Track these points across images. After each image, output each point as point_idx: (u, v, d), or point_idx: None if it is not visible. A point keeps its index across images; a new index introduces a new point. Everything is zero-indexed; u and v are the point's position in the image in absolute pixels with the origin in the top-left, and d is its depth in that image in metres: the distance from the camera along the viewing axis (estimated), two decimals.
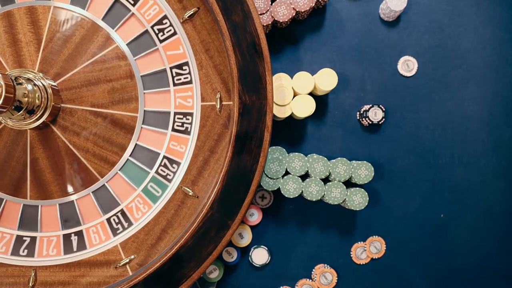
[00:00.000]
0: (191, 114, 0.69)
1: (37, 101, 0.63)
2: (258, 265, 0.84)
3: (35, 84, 0.63)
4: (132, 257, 0.69)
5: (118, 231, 0.69)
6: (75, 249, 0.69)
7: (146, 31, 0.69)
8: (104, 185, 0.69)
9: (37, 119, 0.64)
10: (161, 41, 0.68)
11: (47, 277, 0.69)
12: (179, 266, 0.64)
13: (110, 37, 0.68)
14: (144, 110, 0.69)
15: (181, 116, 0.69)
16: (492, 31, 0.85)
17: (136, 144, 0.69)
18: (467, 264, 0.86)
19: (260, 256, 0.84)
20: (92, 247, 0.69)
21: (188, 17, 0.68)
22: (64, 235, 0.69)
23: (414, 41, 0.84)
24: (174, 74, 0.69)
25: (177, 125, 0.69)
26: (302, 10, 0.76)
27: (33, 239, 0.69)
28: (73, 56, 0.68)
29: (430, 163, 0.85)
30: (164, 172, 0.69)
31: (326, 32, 0.84)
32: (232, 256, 0.83)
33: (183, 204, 0.69)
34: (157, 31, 0.68)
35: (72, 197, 0.69)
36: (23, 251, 0.69)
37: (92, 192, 0.69)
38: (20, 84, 0.61)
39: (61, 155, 0.68)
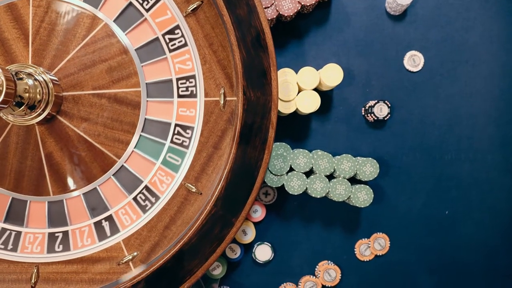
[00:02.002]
0: (193, 77, 0.68)
1: (38, 96, 0.62)
2: (261, 262, 0.83)
3: (35, 79, 0.62)
4: (135, 254, 0.69)
5: (147, 208, 0.69)
6: (108, 233, 0.69)
7: (130, 3, 0.68)
8: (122, 165, 0.68)
9: (40, 114, 0.63)
10: (147, 10, 0.67)
11: (49, 273, 0.69)
12: (182, 263, 0.63)
13: (96, 16, 0.67)
14: (146, 83, 0.68)
15: (184, 81, 0.68)
16: (500, 25, 0.84)
17: (145, 118, 0.68)
18: (472, 261, 0.86)
19: (263, 252, 0.83)
20: (124, 229, 0.69)
21: (191, 10, 0.67)
22: (95, 223, 0.69)
23: (420, 36, 0.83)
24: (167, 41, 0.68)
25: (182, 91, 0.68)
26: (308, 4, 0.75)
27: (65, 233, 0.69)
28: (63, 43, 0.67)
29: (436, 160, 0.84)
30: (179, 139, 0.68)
31: (332, 26, 0.83)
32: (235, 253, 0.83)
33: (186, 200, 0.69)
34: (141, 1, 0.68)
35: (94, 184, 0.68)
36: (59, 247, 0.69)
37: (112, 175, 0.68)
38: (21, 79, 0.60)
39: (74, 144, 0.67)
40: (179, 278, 0.63)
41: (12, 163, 0.67)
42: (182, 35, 0.67)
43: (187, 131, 0.68)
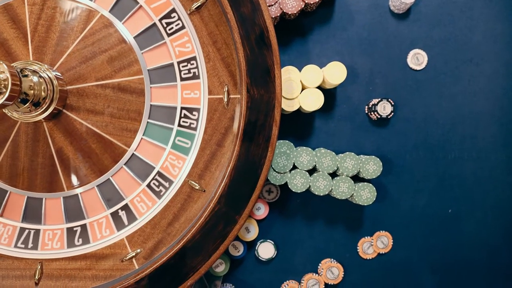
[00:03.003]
0: (194, 59, 0.68)
1: (43, 93, 0.62)
2: (264, 259, 0.84)
3: (40, 76, 0.63)
4: (138, 250, 0.69)
5: (161, 193, 0.69)
6: (126, 223, 0.69)
7: None
8: (133, 154, 0.68)
9: (45, 110, 0.63)
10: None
11: (53, 270, 0.69)
12: (186, 260, 0.63)
13: (92, 8, 0.67)
14: (148, 70, 0.68)
15: (185, 63, 0.68)
16: (504, 24, 0.83)
17: (151, 105, 0.68)
18: (475, 259, 0.86)
19: (266, 250, 0.84)
20: (141, 216, 0.69)
21: (195, 8, 0.67)
22: (111, 214, 0.69)
23: (424, 34, 0.83)
24: (164, 25, 0.68)
25: (184, 73, 0.68)
26: (311, 2, 0.75)
27: (84, 226, 0.70)
28: (62, 38, 0.67)
29: (439, 158, 0.84)
30: (187, 122, 0.68)
31: (335, 24, 0.83)
32: (238, 250, 0.83)
33: (190, 198, 0.69)
34: None
35: (107, 175, 0.69)
36: (78, 241, 0.70)
37: (124, 164, 0.69)
38: (26, 76, 0.60)
39: (83, 137, 0.68)
40: (182, 275, 0.63)
41: (24, 161, 0.68)
42: (179, 18, 0.67)
43: (194, 113, 0.68)
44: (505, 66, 0.84)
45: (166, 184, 0.69)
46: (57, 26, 0.67)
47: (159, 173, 0.69)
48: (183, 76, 0.68)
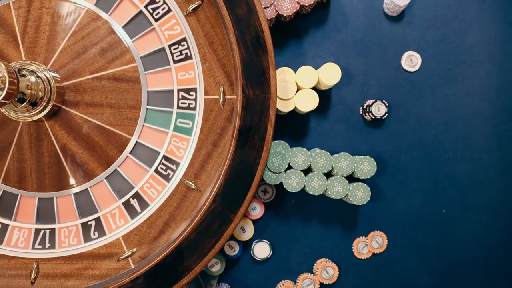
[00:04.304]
0: (184, 40, 0.68)
1: (40, 93, 0.63)
2: (260, 259, 0.84)
3: (38, 76, 0.63)
4: (134, 250, 0.69)
5: (170, 176, 0.69)
6: (139, 210, 0.70)
7: None
8: (137, 142, 0.69)
9: (43, 109, 0.64)
10: None
11: (49, 269, 0.70)
12: (181, 259, 0.64)
13: (78, 4, 0.68)
14: (140, 57, 0.69)
15: (176, 46, 0.69)
16: (497, 26, 0.84)
17: (148, 91, 0.69)
18: (469, 260, 0.86)
19: (262, 250, 0.84)
20: (153, 201, 0.69)
21: (192, 10, 0.68)
22: (123, 203, 0.70)
23: (418, 36, 0.84)
24: (151, 11, 0.69)
25: (176, 56, 0.69)
26: (306, 4, 0.76)
27: (98, 220, 0.70)
28: (52, 36, 0.68)
29: (433, 159, 0.85)
30: (185, 103, 0.69)
31: (330, 26, 0.84)
32: (234, 250, 0.83)
33: (186, 197, 0.69)
34: None
35: (114, 166, 0.69)
36: (94, 234, 0.70)
37: (129, 153, 0.69)
38: (24, 76, 0.61)
39: (85, 130, 0.68)
40: (178, 273, 0.64)
41: (31, 163, 0.68)
42: (164, 2, 0.68)
43: (191, 93, 0.69)
44: (498, 67, 0.84)
45: (173, 167, 0.69)
46: (46, 26, 0.68)
47: (165, 157, 0.69)
48: (175, 58, 0.69)
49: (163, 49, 0.69)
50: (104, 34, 0.68)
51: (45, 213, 0.70)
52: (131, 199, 0.70)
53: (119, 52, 0.68)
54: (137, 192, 0.70)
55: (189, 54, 0.69)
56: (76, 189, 0.69)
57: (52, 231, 0.70)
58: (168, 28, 0.69)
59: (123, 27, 0.69)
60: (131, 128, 0.69)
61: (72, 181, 0.69)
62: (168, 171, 0.69)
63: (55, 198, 0.70)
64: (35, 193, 0.69)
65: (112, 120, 0.68)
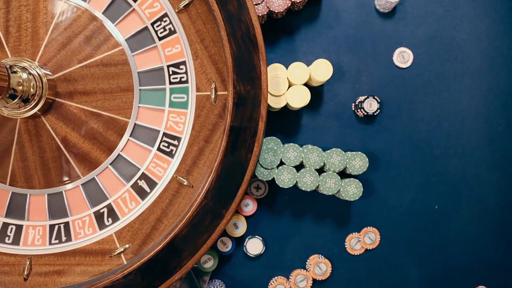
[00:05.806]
0: (165, 15, 0.68)
1: (32, 90, 0.63)
2: (252, 255, 0.84)
3: (30, 73, 0.63)
4: (127, 246, 0.69)
5: (173, 152, 0.70)
6: (148, 190, 0.70)
7: None
8: (135, 124, 0.69)
9: (35, 105, 0.64)
10: None
11: (42, 266, 0.70)
12: (173, 255, 0.64)
13: None
14: (125, 39, 0.69)
15: (159, 23, 0.69)
16: (488, 23, 0.85)
17: (137, 72, 0.69)
18: (461, 255, 0.87)
19: (254, 246, 0.84)
20: (160, 180, 0.70)
21: (183, 6, 0.68)
22: (132, 186, 0.70)
23: (409, 33, 0.85)
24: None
25: (160, 33, 0.69)
26: (298, 1, 0.76)
27: (109, 206, 0.70)
28: (35, 32, 0.68)
29: (425, 155, 0.85)
30: (177, 77, 0.69)
31: (322, 23, 0.84)
32: (226, 246, 0.84)
33: (178, 193, 0.70)
34: None
35: (117, 151, 0.70)
36: (108, 221, 0.70)
37: (130, 136, 0.69)
38: (15, 72, 0.61)
39: (83, 119, 0.68)
40: (170, 269, 0.64)
41: (35, 160, 0.68)
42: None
43: (181, 66, 0.69)
44: (489, 63, 0.85)
45: (175, 142, 0.70)
46: (27, 23, 0.68)
47: (165, 134, 0.70)
48: (160, 35, 0.69)
49: (146, 28, 0.69)
50: (86, 22, 0.68)
51: (57, 208, 0.70)
52: (138, 181, 0.70)
53: (103, 38, 0.69)
54: (143, 173, 0.70)
55: (172, 29, 0.69)
56: (83, 180, 0.70)
57: (67, 224, 0.70)
58: (148, 7, 0.69)
59: (103, 12, 0.69)
60: (127, 111, 0.69)
61: (78, 172, 0.69)
62: (171, 147, 0.70)
63: (63, 192, 0.70)
64: (43, 190, 0.70)
65: (107, 105, 0.69)
